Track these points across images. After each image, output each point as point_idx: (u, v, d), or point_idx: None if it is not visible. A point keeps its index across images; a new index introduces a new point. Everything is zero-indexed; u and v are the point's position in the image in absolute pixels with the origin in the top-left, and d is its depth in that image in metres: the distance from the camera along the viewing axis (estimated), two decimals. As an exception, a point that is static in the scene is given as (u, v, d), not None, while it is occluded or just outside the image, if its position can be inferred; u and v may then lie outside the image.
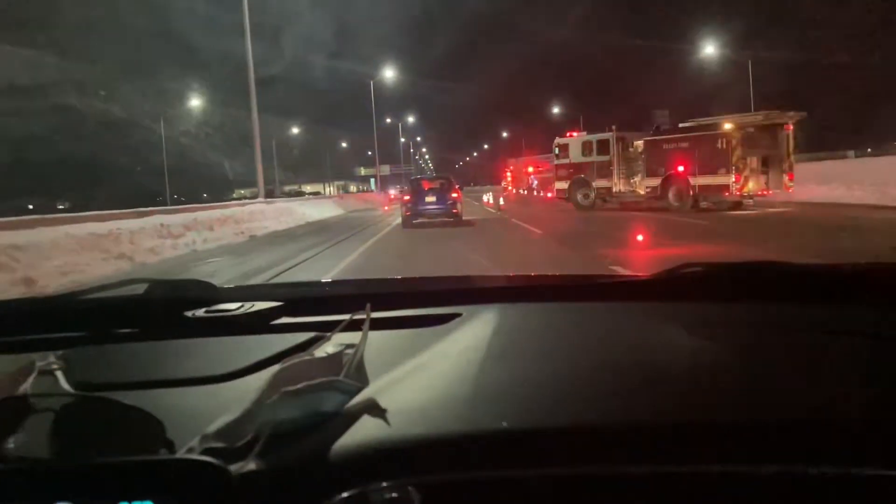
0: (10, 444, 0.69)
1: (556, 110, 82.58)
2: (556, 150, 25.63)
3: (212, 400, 0.89)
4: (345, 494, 0.66)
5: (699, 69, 43.87)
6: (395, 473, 0.67)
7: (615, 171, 23.16)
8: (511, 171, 59.19)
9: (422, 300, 1.34)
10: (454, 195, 19.48)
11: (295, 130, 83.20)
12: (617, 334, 1.13)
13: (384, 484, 0.66)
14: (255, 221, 22.41)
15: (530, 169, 53.43)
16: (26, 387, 0.86)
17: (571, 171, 24.61)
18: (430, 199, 19.44)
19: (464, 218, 19.59)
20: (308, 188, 75.86)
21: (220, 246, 16.34)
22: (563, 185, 25.15)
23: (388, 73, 57.69)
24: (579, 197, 24.42)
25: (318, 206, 35.18)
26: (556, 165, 25.81)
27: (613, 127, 23.66)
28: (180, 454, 0.70)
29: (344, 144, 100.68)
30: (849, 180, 22.06)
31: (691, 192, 20.10)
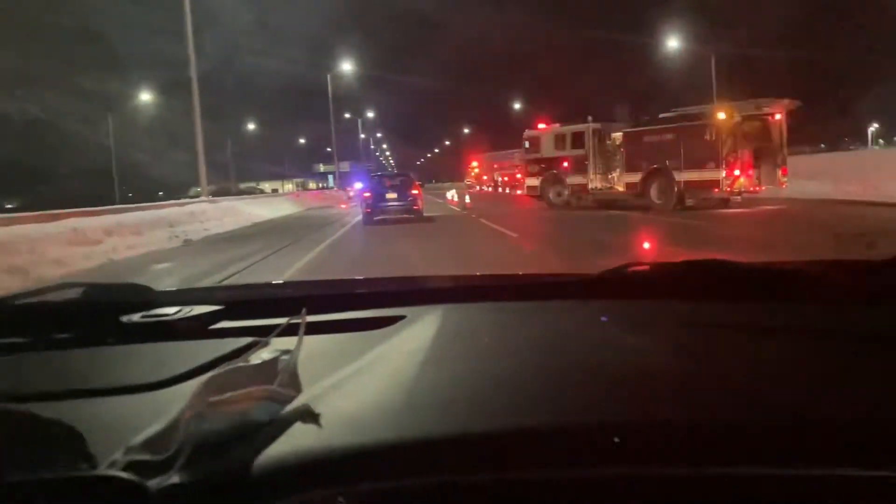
0: None
1: (517, 105, 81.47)
2: (527, 144, 23.53)
3: (143, 409, 0.84)
4: None
5: (661, 63, 42.47)
6: (325, 483, 0.66)
7: (591, 167, 21.27)
8: (475, 168, 57.51)
9: (364, 302, 1.32)
10: (414, 191, 19.66)
11: (251, 126, 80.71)
12: (562, 334, 1.12)
13: (313, 495, 0.65)
14: (195, 223, 20.17)
15: (495, 165, 51.95)
16: None
17: (543, 166, 22.61)
18: (391, 195, 19.45)
19: (426, 215, 19.30)
20: (267, 186, 73.55)
21: (146, 253, 14.13)
22: (535, 181, 23.13)
23: (347, 67, 55.81)
24: (552, 194, 22.43)
25: (270, 204, 32.95)
26: (527, 160, 23.73)
27: (590, 117, 21.72)
28: (100, 469, 0.66)
29: (302, 141, 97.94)
30: (835, 175, 20.84)
31: (676, 189, 18.30)
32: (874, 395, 0.80)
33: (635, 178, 19.54)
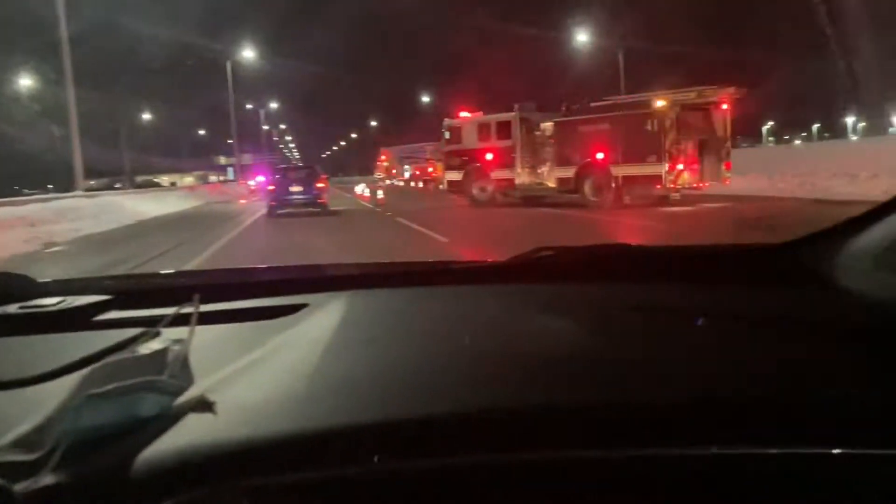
0: None
1: (427, 98, 79.72)
2: (447, 135, 21.25)
3: (16, 406, 0.79)
4: None
5: (568, 58, 41.46)
6: (218, 478, 0.64)
7: (518, 160, 19.30)
8: (385, 161, 55.19)
9: (263, 291, 1.26)
10: (320, 185, 19.50)
11: (147, 116, 75.32)
12: (470, 320, 1.11)
13: (207, 489, 0.63)
14: (64, 222, 17.04)
15: (406, 158, 49.89)
16: None
17: (465, 159, 20.38)
18: (296, 188, 19.17)
19: (336, 214, 18.71)
20: (165, 179, 68.78)
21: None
22: (456, 175, 20.87)
23: (248, 54, 52.46)
24: (475, 190, 20.26)
25: (161, 199, 29.44)
26: (447, 153, 21.45)
27: (517, 106, 19.67)
28: None
29: (202, 132, 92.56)
30: (769, 170, 19.92)
31: (613, 185, 16.62)
32: (776, 376, 0.81)
33: (568, 172, 17.74)
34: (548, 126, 18.69)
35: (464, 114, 21.16)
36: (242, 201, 31.04)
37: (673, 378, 0.80)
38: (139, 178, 65.34)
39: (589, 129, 17.26)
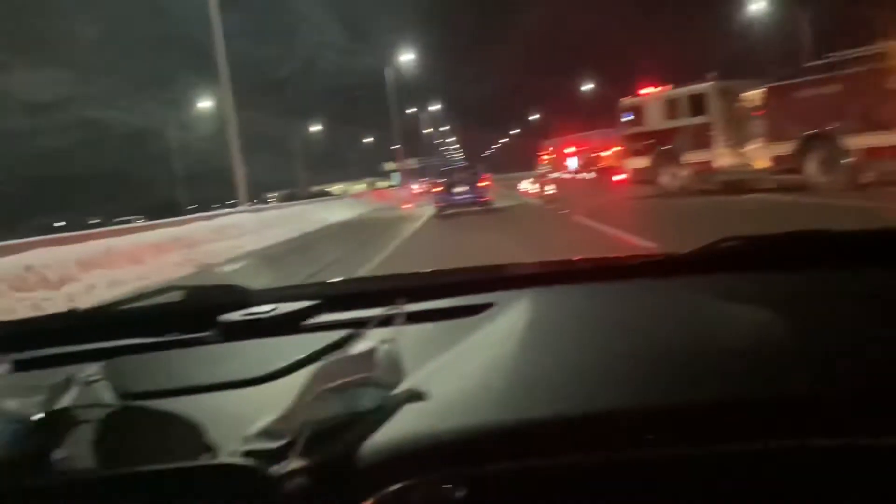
0: (54, 457, 0.73)
1: (590, 85, 76.16)
2: (627, 116, 18.48)
3: (251, 402, 0.87)
4: (389, 489, 0.66)
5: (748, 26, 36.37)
6: (437, 466, 0.68)
7: (717, 138, 16.22)
8: (548, 153, 52.68)
9: (454, 291, 1.31)
10: (483, 183, 19.78)
11: (316, 128, 78.13)
12: (657, 313, 1.09)
13: (427, 477, 0.67)
14: (224, 240, 16.38)
15: (570, 149, 47.19)
16: (67, 399, 0.84)
17: (650, 142, 17.55)
18: (460, 188, 19.61)
19: (498, 206, 18.76)
20: (336, 188, 71.05)
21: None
22: (640, 162, 18.04)
23: (406, 58, 52.12)
24: (665, 178, 17.30)
25: (326, 209, 29.21)
26: (627, 136, 18.66)
27: (714, 74, 16.68)
28: (222, 458, 0.71)
29: (367, 140, 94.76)
30: None
31: (849, 160, 13.21)
32: None
33: (785, 148, 14.44)
34: (754, 95, 15.41)
35: (646, 90, 18.28)
36: (406, 206, 30.11)
37: (879, 365, 0.77)
38: (313, 188, 68.50)
39: (812, 93, 13.83)
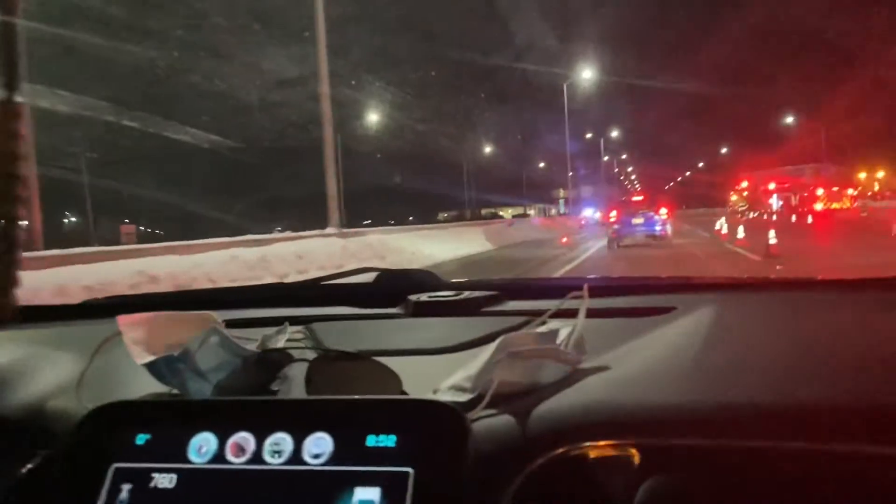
0: (274, 385, 0.91)
1: (790, 118, 67.04)
2: None
3: (437, 366, 0.95)
4: (564, 449, 0.70)
5: None
6: (615, 435, 0.70)
7: None
8: (744, 188, 45.29)
9: (636, 292, 1.35)
10: (662, 216, 19.31)
11: (489, 149, 75.11)
12: (837, 326, 1.07)
13: (605, 442, 0.70)
14: (308, 271, 12.39)
15: (771, 185, 39.75)
16: (279, 343, 1.00)
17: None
18: (638, 220, 19.17)
19: (686, 252, 15.74)
20: (510, 212, 67.49)
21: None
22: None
23: (586, 74, 47.21)
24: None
25: (446, 239, 21.08)
26: None
27: None
28: (418, 395, 0.81)
29: (542, 164, 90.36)
30: None
31: None
32: None
33: None
34: None
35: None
36: (564, 240, 24.67)
37: None
38: (484, 211, 65.95)
39: None
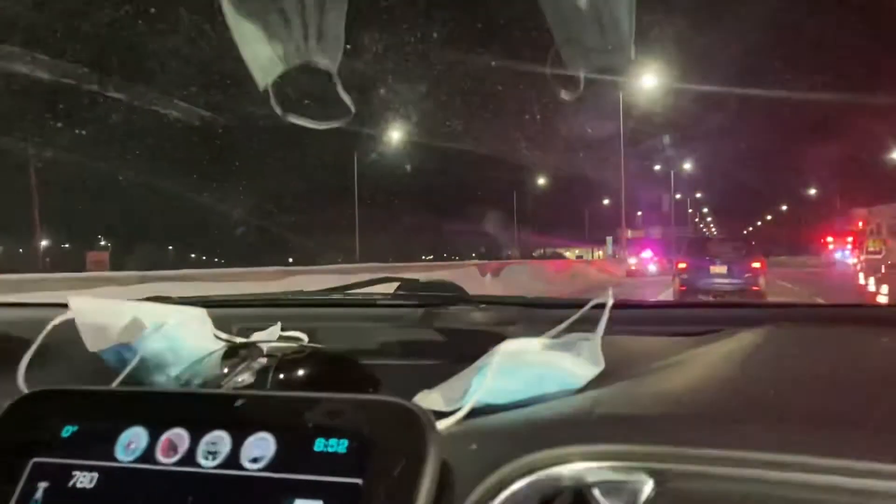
0: (236, 380, 0.84)
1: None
2: None
3: (436, 376, 0.88)
4: (554, 469, 0.62)
5: None
6: (619, 456, 0.63)
7: None
8: (863, 227, 34.50)
9: (678, 310, 1.35)
10: (755, 264, 14.46)
11: (541, 181, 66.42)
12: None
13: (608, 464, 0.62)
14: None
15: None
16: (263, 339, 0.97)
17: None
18: (718, 268, 14.47)
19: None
20: (571, 252, 60.15)
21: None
22: None
23: (649, 83, 37.58)
24: None
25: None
26: None
27: None
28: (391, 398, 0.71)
29: (606, 202, 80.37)
30: None
31: None
32: None
33: None
34: None
35: None
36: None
37: None
38: (537, 252, 58.92)
39: None
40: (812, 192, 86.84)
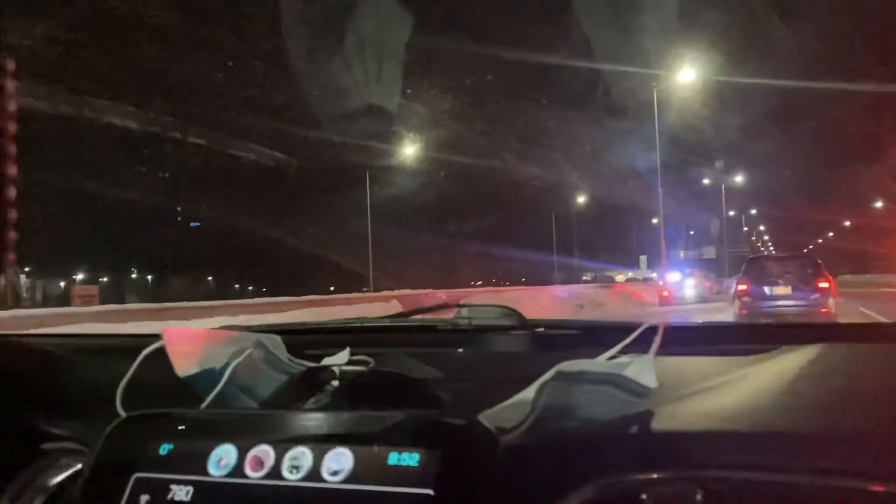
0: (314, 401, 0.89)
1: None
2: None
3: (497, 395, 0.88)
4: (610, 480, 0.66)
5: None
6: (674, 467, 0.66)
7: None
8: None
9: (724, 333, 1.34)
10: (822, 284, 12.55)
11: (589, 207, 64.00)
12: None
13: (661, 475, 0.66)
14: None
15: None
16: (337, 363, 0.99)
17: None
18: (781, 289, 12.85)
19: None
20: (625, 276, 57.73)
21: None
22: None
23: (687, 76, 35.38)
24: None
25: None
26: None
27: None
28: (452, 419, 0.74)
29: (654, 221, 77.08)
30: None
31: None
32: None
33: None
34: None
35: None
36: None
37: None
38: (585, 276, 56.13)
39: None
40: (878, 204, 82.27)
